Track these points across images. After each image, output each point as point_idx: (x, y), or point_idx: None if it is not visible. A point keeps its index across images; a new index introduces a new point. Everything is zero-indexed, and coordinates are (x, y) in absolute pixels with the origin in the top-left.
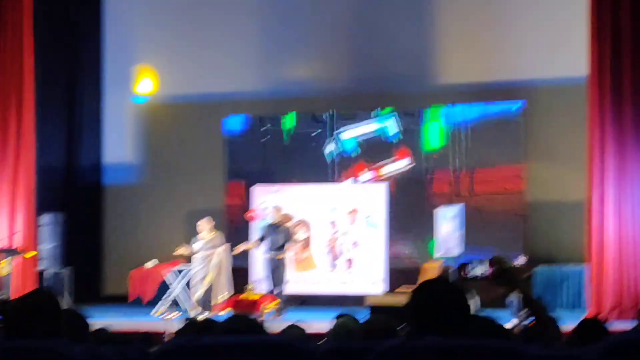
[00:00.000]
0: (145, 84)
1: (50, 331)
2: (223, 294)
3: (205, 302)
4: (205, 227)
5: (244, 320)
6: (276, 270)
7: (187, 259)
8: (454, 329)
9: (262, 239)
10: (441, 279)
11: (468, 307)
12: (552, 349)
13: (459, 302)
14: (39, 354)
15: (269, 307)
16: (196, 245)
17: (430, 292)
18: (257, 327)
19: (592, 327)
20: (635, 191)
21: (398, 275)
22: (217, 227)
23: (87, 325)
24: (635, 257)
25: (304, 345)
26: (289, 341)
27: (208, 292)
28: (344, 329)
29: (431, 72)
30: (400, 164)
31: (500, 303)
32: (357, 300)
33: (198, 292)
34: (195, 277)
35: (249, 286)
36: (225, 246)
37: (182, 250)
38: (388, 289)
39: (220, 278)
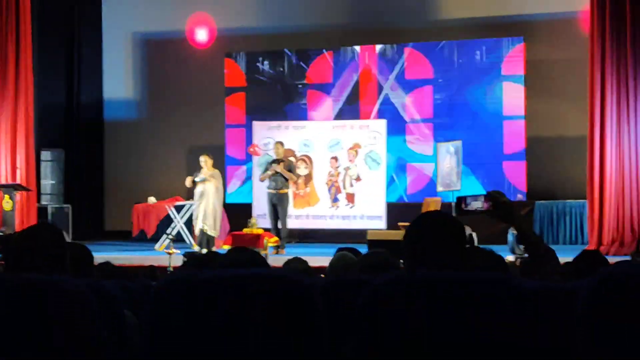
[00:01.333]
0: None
1: (55, 265)
2: (216, 229)
3: (204, 238)
4: (204, 163)
5: (246, 253)
6: (279, 206)
7: (187, 194)
8: (451, 261)
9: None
10: (438, 211)
11: (465, 238)
12: (547, 282)
13: (456, 233)
14: (41, 288)
15: (272, 242)
16: (196, 180)
17: (427, 224)
18: (259, 260)
19: (591, 259)
20: (635, 126)
21: (399, 210)
22: (218, 162)
23: (91, 258)
24: (635, 192)
25: (303, 278)
26: (288, 274)
27: (207, 226)
28: (342, 263)
29: (432, 7)
30: None
31: (499, 239)
32: (358, 235)
33: (197, 228)
34: (195, 212)
35: (252, 221)
36: (219, 183)
37: (189, 182)
38: (389, 224)
39: (217, 214)
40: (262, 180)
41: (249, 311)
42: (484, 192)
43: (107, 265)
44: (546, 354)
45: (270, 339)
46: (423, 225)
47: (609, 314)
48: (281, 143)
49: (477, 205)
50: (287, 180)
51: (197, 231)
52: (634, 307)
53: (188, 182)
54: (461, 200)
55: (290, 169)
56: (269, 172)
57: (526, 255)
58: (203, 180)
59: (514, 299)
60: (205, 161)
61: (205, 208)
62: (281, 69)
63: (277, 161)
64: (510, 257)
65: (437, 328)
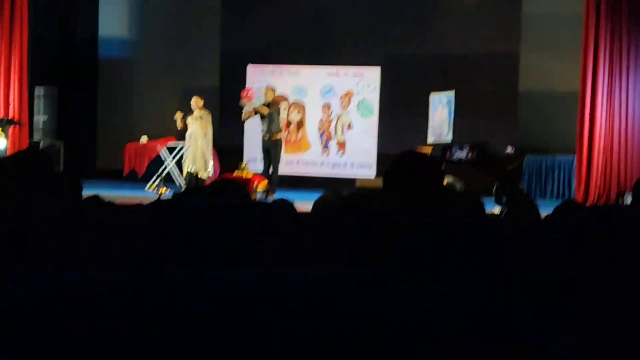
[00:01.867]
0: None
1: (43, 187)
2: (207, 170)
3: (192, 181)
4: (195, 105)
5: (228, 184)
6: (272, 150)
7: (180, 135)
8: (428, 199)
9: (256, 113)
10: (418, 152)
11: (442, 178)
12: (522, 227)
13: (433, 172)
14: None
15: (261, 186)
16: (187, 122)
17: (405, 163)
18: (242, 192)
19: (571, 210)
20: (627, 83)
21: (390, 159)
22: (211, 104)
23: (80, 188)
24: (624, 149)
25: (284, 208)
26: (268, 204)
27: (198, 166)
28: (326, 202)
29: None
30: None
31: (487, 190)
32: (348, 183)
33: (184, 171)
34: (185, 154)
35: (243, 164)
36: (207, 123)
37: (178, 116)
38: (379, 172)
39: (206, 155)
40: (243, 120)
41: (229, 236)
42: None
43: (95, 198)
44: (522, 295)
45: (249, 261)
46: (402, 164)
47: (578, 250)
48: (272, 88)
49: (462, 155)
50: (279, 124)
51: (184, 173)
52: (599, 241)
53: (179, 122)
54: (447, 149)
55: (271, 110)
56: (246, 112)
57: (506, 208)
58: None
59: (489, 241)
60: (195, 102)
61: (193, 151)
62: (277, 12)
63: (265, 106)
64: (496, 209)
65: (414, 265)
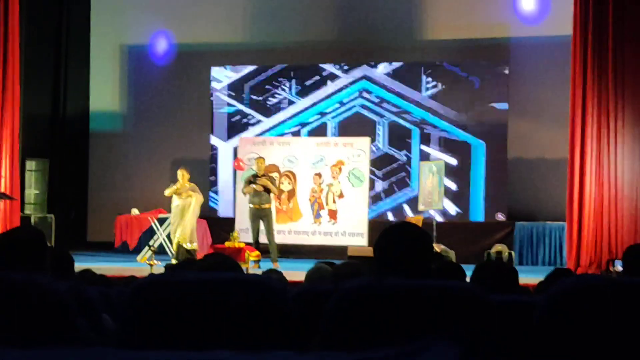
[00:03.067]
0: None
1: (35, 266)
2: (193, 243)
3: (183, 250)
4: (181, 177)
5: (221, 259)
6: (266, 220)
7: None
8: (417, 269)
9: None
10: (408, 222)
11: (432, 248)
12: (511, 295)
13: (423, 243)
14: (21, 287)
15: (253, 256)
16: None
17: (396, 233)
18: (234, 265)
19: (562, 277)
20: (615, 149)
21: (381, 227)
22: (203, 176)
23: (72, 263)
24: (614, 215)
25: (276, 284)
26: (261, 279)
27: (183, 237)
28: (318, 274)
29: (417, 28)
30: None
31: (477, 259)
32: (340, 251)
33: (175, 244)
34: (172, 227)
35: (234, 234)
36: (196, 196)
37: (169, 191)
38: (371, 241)
39: (193, 228)
40: (245, 193)
41: (220, 312)
42: None
43: (87, 272)
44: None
45: (240, 338)
46: (392, 234)
47: (563, 322)
48: (262, 159)
49: None
50: (269, 194)
51: (174, 247)
52: (585, 314)
53: (169, 191)
54: None
55: (273, 184)
56: (255, 187)
57: None
58: (182, 195)
59: (475, 308)
60: (182, 175)
61: (184, 223)
62: (266, 83)
63: (255, 176)
64: None
65: (401, 333)
